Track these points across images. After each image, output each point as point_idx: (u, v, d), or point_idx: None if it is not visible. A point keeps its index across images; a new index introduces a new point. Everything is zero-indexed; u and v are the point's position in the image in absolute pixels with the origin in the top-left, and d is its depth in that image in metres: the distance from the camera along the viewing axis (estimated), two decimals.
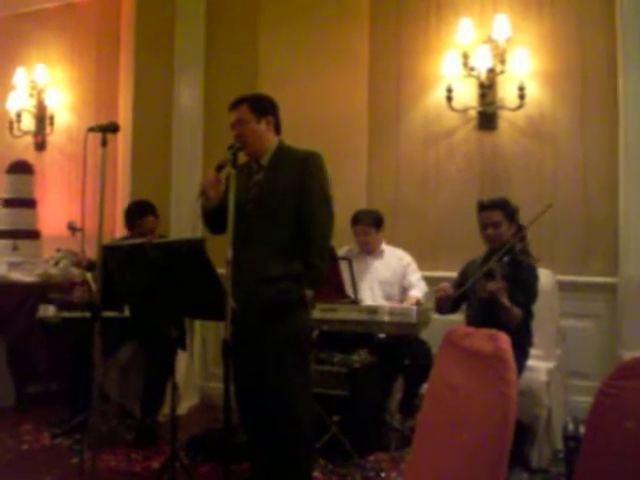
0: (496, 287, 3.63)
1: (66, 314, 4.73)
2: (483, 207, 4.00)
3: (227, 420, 2.99)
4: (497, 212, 3.93)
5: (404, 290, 4.85)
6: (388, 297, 4.80)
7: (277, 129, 3.53)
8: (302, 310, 3.37)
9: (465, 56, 5.17)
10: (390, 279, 4.85)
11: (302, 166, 3.39)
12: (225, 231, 3.13)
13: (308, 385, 3.42)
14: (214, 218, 3.44)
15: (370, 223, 4.86)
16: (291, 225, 3.35)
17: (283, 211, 3.35)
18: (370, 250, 4.91)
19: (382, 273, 4.86)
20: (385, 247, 4.96)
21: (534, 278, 3.90)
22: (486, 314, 3.67)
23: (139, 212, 4.87)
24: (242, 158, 3.46)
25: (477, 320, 3.73)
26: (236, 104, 3.48)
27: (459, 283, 4.11)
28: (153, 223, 4.87)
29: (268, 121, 3.46)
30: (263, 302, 3.30)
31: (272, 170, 3.44)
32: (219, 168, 3.34)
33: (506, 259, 3.79)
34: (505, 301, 3.64)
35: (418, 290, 4.80)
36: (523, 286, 3.81)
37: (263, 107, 3.48)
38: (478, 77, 5.16)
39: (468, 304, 4.03)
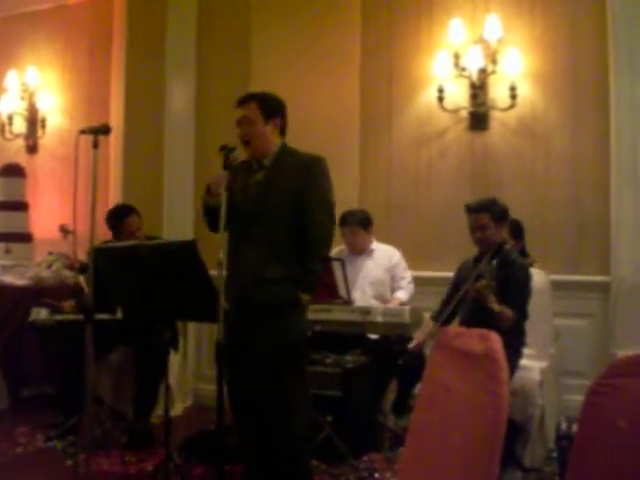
0: (480, 285, 3.65)
1: (59, 317, 4.73)
2: (470, 210, 3.99)
3: (220, 421, 2.99)
4: (484, 215, 3.92)
5: (393, 291, 4.84)
6: (380, 297, 4.78)
7: (283, 130, 3.48)
8: (298, 312, 3.36)
9: (456, 56, 5.17)
10: (381, 278, 4.83)
11: (306, 170, 3.35)
12: (225, 230, 3.14)
13: (304, 385, 3.42)
14: (216, 216, 3.39)
15: (357, 224, 4.81)
16: (290, 228, 3.32)
17: (283, 213, 3.33)
18: (359, 251, 4.88)
19: (373, 273, 4.83)
20: (375, 245, 4.92)
21: (526, 277, 3.90)
22: (478, 316, 3.67)
23: (121, 214, 4.85)
24: (243, 155, 3.44)
25: (469, 322, 3.73)
26: (244, 101, 3.42)
27: (454, 284, 4.13)
28: (138, 221, 4.85)
29: (275, 123, 3.42)
30: (260, 303, 3.29)
31: (274, 171, 3.40)
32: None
33: (495, 261, 3.79)
34: (493, 305, 3.63)
35: (404, 293, 4.79)
36: (515, 286, 3.81)
37: (272, 108, 3.43)
38: (469, 77, 5.16)
39: (462, 308, 4.03)
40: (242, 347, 3.31)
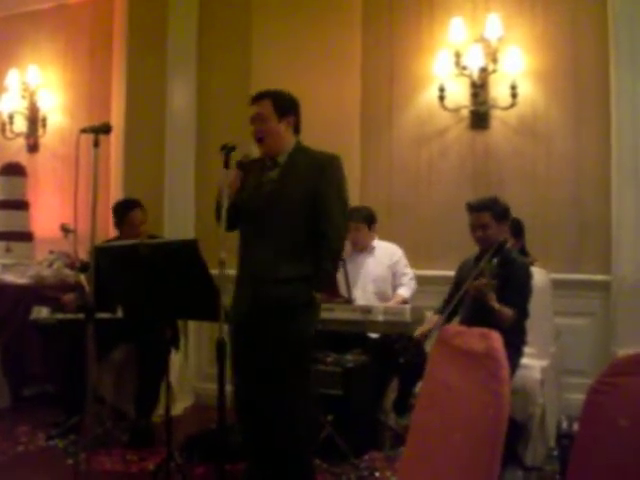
0: (481, 283, 3.65)
1: (60, 316, 4.73)
2: (471, 209, 4.00)
3: (221, 420, 2.99)
4: (485, 214, 3.93)
5: (395, 289, 4.85)
6: (381, 295, 4.79)
7: (297, 128, 3.48)
8: (311, 312, 3.35)
9: (457, 55, 5.18)
10: (382, 276, 4.83)
11: (321, 169, 3.34)
12: (235, 228, 3.14)
13: (309, 384, 3.42)
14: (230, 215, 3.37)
15: (361, 219, 4.82)
16: (304, 226, 3.31)
17: (297, 212, 3.31)
18: (361, 248, 4.88)
19: (374, 271, 4.84)
20: (377, 243, 4.93)
21: (527, 276, 3.90)
22: (478, 315, 3.67)
23: (126, 206, 4.88)
24: (256, 152, 3.45)
25: (470, 321, 3.73)
26: (258, 98, 3.42)
27: (455, 283, 4.14)
28: (142, 216, 4.87)
29: (288, 121, 3.41)
30: (272, 302, 3.28)
31: (288, 169, 3.39)
32: (240, 165, 3.29)
33: (496, 260, 3.79)
34: (493, 303, 3.64)
35: (406, 289, 4.80)
36: (516, 285, 3.81)
37: (285, 106, 3.41)
38: (470, 76, 5.17)
39: (462, 307, 4.03)
40: (253, 346, 3.30)
